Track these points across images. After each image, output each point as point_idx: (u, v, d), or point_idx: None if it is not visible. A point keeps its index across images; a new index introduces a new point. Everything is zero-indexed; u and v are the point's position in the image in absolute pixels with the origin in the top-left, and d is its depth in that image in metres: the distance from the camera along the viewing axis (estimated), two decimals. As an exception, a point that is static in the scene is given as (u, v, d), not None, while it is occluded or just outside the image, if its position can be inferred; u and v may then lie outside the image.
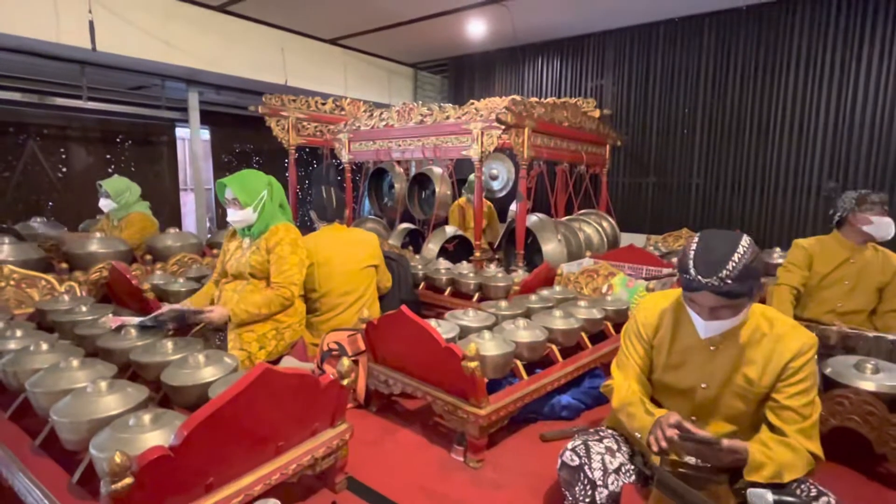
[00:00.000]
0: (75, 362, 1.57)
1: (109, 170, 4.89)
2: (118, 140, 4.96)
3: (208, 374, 1.58)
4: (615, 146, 4.31)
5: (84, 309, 2.16)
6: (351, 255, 2.67)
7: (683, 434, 1.24)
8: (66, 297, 2.32)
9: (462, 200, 4.65)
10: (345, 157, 4.43)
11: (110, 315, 2.08)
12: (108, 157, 4.85)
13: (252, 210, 2.20)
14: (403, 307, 1.83)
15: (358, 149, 4.34)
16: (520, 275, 3.03)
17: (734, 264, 1.22)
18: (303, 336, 2.44)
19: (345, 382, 1.58)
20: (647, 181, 4.74)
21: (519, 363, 1.97)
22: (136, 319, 1.97)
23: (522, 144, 3.22)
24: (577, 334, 2.21)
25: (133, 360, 1.71)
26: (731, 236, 1.26)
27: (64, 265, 2.69)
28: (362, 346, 2.18)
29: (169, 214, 5.41)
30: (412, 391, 1.92)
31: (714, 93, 4.26)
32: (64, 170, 4.60)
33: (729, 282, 1.22)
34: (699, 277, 1.23)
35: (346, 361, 1.56)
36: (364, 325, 2.05)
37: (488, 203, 4.75)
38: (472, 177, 4.60)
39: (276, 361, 2.18)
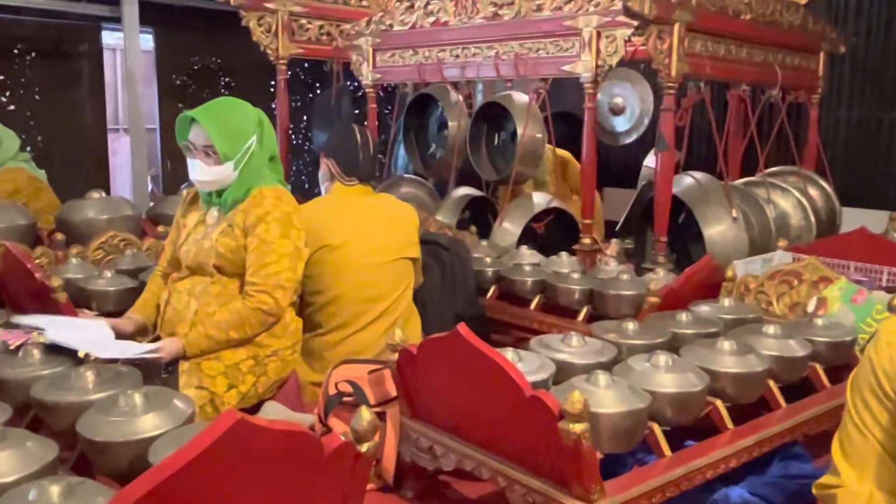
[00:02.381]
0: (-53, 399, 1.67)
1: (2, 98, 5.20)
2: (15, 52, 5.26)
3: (148, 425, 1.64)
4: (836, 55, 4.11)
5: (-40, 316, 2.31)
6: (379, 237, 2.73)
7: None
8: (-64, 298, 2.50)
9: (564, 152, 4.61)
10: (367, 76, 4.50)
11: (1, 329, 2.20)
12: (1, 77, 5.16)
13: (233, 166, 2.27)
14: (461, 326, 1.83)
15: (388, 62, 4.39)
16: (660, 277, 3.00)
17: None
18: (297, 369, 2.50)
19: (363, 449, 1.60)
20: (893, 116, 4.50)
21: (657, 429, 1.92)
22: (50, 328, 2.07)
23: (669, 53, 3.15)
24: (761, 384, 2.14)
25: (35, 398, 1.81)
26: None
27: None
28: (392, 391, 2.20)
29: (91, 170, 5.71)
30: (473, 468, 1.91)
31: None
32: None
33: None
34: None
35: (365, 414, 1.57)
36: (395, 355, 2.06)
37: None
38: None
39: (255, 409, 2.24)
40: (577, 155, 3.99)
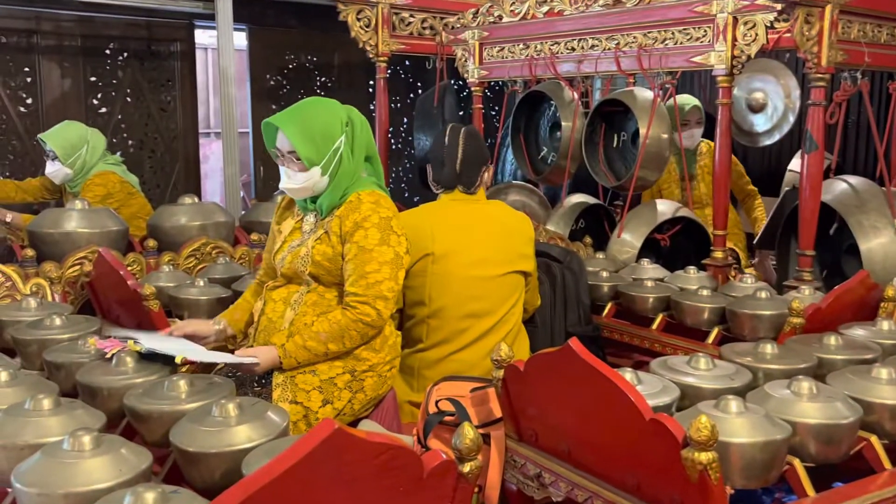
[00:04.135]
0: (46, 404, 1.83)
1: (94, 101, 5.58)
2: (106, 52, 5.63)
3: (242, 436, 1.74)
4: None
5: (58, 323, 2.50)
6: (488, 248, 2.78)
7: None
8: (33, 303, 2.71)
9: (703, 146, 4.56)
10: (472, 72, 4.59)
11: (96, 337, 2.37)
12: (94, 79, 5.54)
13: (320, 171, 2.38)
14: (573, 341, 1.85)
15: (496, 58, 4.46)
16: (806, 295, 2.94)
17: None
18: (394, 387, 2.58)
19: (465, 469, 1.65)
20: None
21: (798, 465, 1.88)
22: (142, 339, 2.23)
23: (819, 39, 3.08)
24: (925, 418, 2.06)
25: (129, 406, 1.95)
26: None
27: (29, 252, 3.15)
28: (497, 411, 2.24)
29: (181, 176, 6.04)
30: (585, 499, 1.93)
31: None
32: (28, 101, 5.36)
33: None
34: None
35: (468, 430, 1.62)
36: (501, 372, 2.11)
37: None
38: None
39: (352, 427, 2.33)
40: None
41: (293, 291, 2.44)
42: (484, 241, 2.79)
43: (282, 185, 2.44)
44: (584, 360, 1.85)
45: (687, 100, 4.50)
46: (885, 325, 2.57)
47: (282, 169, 2.42)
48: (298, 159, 2.36)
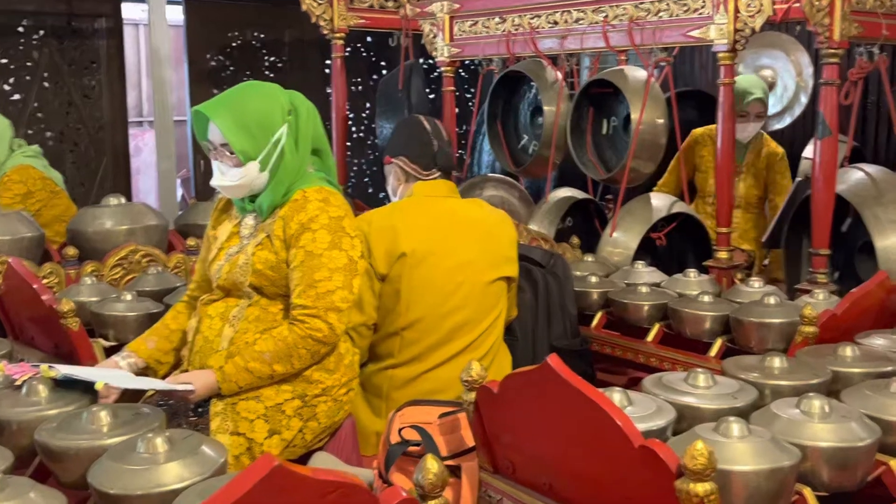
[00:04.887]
0: (-56, 440, 1.80)
1: (6, 86, 5.51)
2: (20, 30, 5.56)
3: (171, 475, 1.71)
4: None
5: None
6: (472, 250, 2.79)
7: None
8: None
9: (701, 132, 4.59)
10: (442, 50, 4.57)
11: (4, 361, 2.33)
12: (4, 61, 5.47)
13: (258, 166, 2.37)
14: (552, 357, 1.85)
15: (469, 33, 4.45)
16: (819, 301, 2.95)
17: None
18: (353, 413, 2.56)
19: (430, 509, 1.64)
20: None
21: (809, 494, 1.89)
22: (61, 368, 2.19)
23: (830, 10, 3.12)
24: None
25: (41, 442, 1.91)
26: None
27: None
28: (469, 440, 2.23)
29: (110, 171, 5.99)
30: (570, 539, 1.93)
31: None
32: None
33: None
34: None
35: (431, 463, 1.62)
36: (472, 395, 2.10)
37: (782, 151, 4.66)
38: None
39: (303, 462, 2.31)
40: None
41: (232, 306, 2.41)
42: (467, 243, 2.80)
43: (213, 183, 2.42)
44: (565, 378, 1.85)
45: (749, 85, 4.48)
46: (908, 333, 2.58)
47: (214, 164, 2.41)
48: (232, 153, 2.35)
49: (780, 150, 4.65)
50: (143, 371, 2.48)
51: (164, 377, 2.49)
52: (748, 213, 4.60)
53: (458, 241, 2.78)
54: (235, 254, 2.42)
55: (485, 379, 2.06)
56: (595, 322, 3.33)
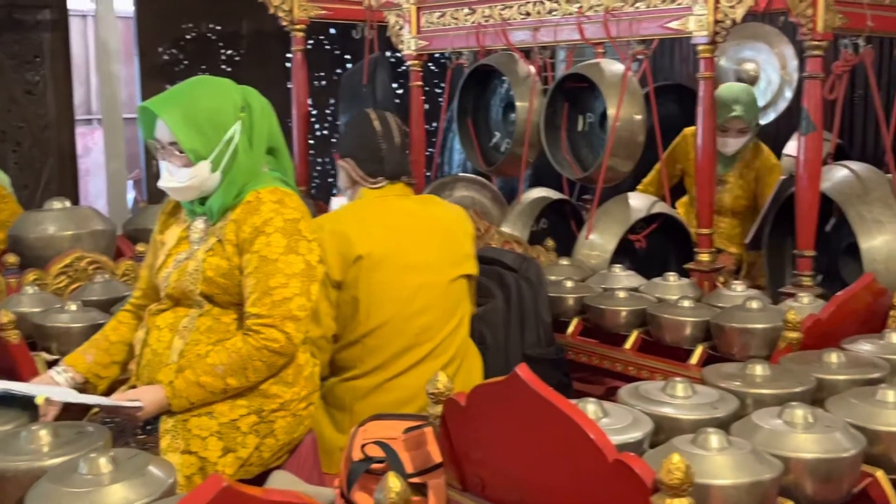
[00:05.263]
0: None
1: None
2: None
3: (116, 497, 1.68)
4: None
5: None
6: (432, 249, 2.82)
7: None
8: None
9: (691, 131, 4.62)
10: (408, 43, 4.57)
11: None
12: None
13: (210, 166, 2.35)
14: (521, 368, 1.85)
15: (437, 25, 4.46)
16: (803, 305, 2.98)
17: None
18: (314, 428, 2.55)
19: (393, 530, 1.63)
20: None
21: (793, 508, 1.93)
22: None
23: (814, 1, 3.14)
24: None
25: (-25, 463, 1.90)
26: None
27: None
28: (436, 455, 2.23)
29: (56, 173, 5.92)
30: (543, 559, 1.94)
31: None
32: None
33: None
34: None
35: (394, 484, 1.61)
36: (439, 409, 2.10)
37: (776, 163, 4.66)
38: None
39: (260, 481, 2.30)
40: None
41: (182, 316, 2.39)
42: (424, 243, 2.82)
43: (161, 184, 2.40)
44: (535, 389, 1.85)
45: (731, 98, 4.40)
46: (894, 337, 2.61)
47: (161, 164, 2.39)
48: (181, 152, 2.33)
49: (774, 161, 4.63)
50: (82, 386, 2.45)
51: (104, 392, 2.47)
52: (735, 218, 4.63)
53: (415, 241, 2.81)
54: (184, 260, 2.40)
55: (452, 391, 2.06)
56: (571, 329, 3.34)
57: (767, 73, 5.00)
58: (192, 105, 2.35)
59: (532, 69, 4.36)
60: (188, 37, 6.27)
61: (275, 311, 2.28)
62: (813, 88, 3.22)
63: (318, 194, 6.16)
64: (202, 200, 2.41)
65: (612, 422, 2.02)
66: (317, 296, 2.40)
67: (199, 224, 2.44)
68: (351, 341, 2.75)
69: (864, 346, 2.59)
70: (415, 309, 2.75)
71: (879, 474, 2.02)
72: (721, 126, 4.27)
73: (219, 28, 6.37)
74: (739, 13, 3.32)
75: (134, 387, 2.40)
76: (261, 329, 2.28)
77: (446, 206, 3.01)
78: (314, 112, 6.51)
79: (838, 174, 3.53)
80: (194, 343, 2.34)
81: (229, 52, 6.45)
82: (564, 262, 3.76)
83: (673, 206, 4.47)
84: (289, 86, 5.49)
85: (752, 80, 5.00)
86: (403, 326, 2.74)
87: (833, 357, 2.45)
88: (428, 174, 5.01)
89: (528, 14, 4.03)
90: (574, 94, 4.25)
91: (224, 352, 2.28)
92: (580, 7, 3.81)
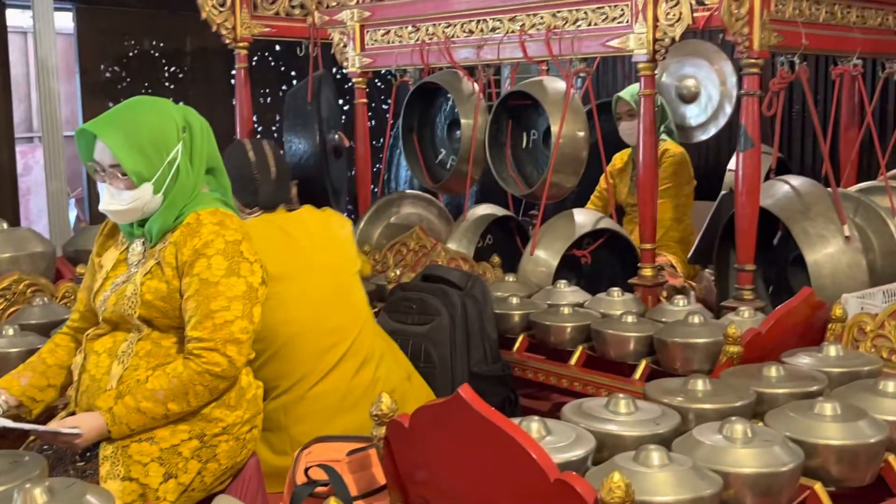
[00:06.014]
0: None
1: None
2: None
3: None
4: None
5: None
6: (323, 254, 2.90)
7: None
8: None
9: (621, 157, 4.75)
10: (353, 61, 4.57)
11: None
12: None
13: (153, 188, 2.33)
14: (463, 388, 1.86)
15: (381, 42, 4.46)
16: (745, 318, 3.02)
17: None
18: (258, 451, 2.53)
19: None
20: None
21: (734, 524, 1.94)
22: None
23: (749, 19, 3.19)
24: (876, 460, 2.14)
25: None
26: None
27: None
28: (380, 477, 2.22)
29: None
30: (489, 579, 1.93)
31: None
32: None
33: None
34: None
35: (335, 507, 1.61)
36: (382, 430, 2.09)
37: (677, 151, 4.79)
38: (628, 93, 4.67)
39: (203, 505, 2.29)
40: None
41: (120, 340, 2.35)
42: (317, 250, 2.89)
43: (102, 207, 2.36)
44: (477, 410, 1.85)
45: (624, 91, 4.69)
46: (832, 350, 2.65)
47: (101, 187, 2.35)
48: (124, 174, 2.30)
49: (677, 148, 4.78)
50: (16, 409, 2.39)
51: (40, 416, 2.42)
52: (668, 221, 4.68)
53: (307, 250, 2.87)
54: (122, 283, 2.36)
55: (395, 412, 2.06)
56: (517, 345, 3.36)
57: (708, 89, 5.05)
58: (135, 127, 2.32)
59: (476, 87, 4.37)
60: (130, 54, 6.22)
61: (216, 335, 2.26)
62: (750, 105, 3.25)
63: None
64: (141, 222, 2.38)
65: (556, 440, 2.02)
66: (259, 318, 2.37)
67: (138, 246, 2.41)
68: (268, 357, 2.75)
69: (803, 360, 2.63)
70: (322, 313, 2.80)
71: (817, 487, 2.04)
72: (616, 116, 4.60)
73: (161, 45, 6.32)
74: (678, 31, 3.35)
75: (73, 413, 2.35)
76: (202, 353, 2.25)
77: (324, 213, 3.04)
78: (259, 129, 6.47)
79: (780, 190, 3.57)
80: (133, 368, 2.31)
81: (172, 69, 6.40)
82: (510, 278, 3.78)
83: (620, 221, 4.53)
84: (233, 103, 5.46)
85: (693, 97, 5.06)
86: (314, 332, 2.78)
87: (773, 371, 2.48)
88: (374, 190, 5.01)
89: (471, 32, 4.05)
90: (518, 111, 4.28)
91: (165, 377, 2.25)
92: (522, 25, 3.83)
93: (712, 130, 5.06)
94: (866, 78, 4.24)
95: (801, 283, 3.46)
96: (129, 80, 6.19)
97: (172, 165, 2.34)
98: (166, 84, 6.38)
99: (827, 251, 3.37)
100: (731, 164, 4.59)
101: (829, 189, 3.57)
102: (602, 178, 4.71)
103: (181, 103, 2.51)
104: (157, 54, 6.33)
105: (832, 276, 3.33)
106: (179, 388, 2.24)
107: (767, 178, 3.67)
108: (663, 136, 4.74)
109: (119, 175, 2.31)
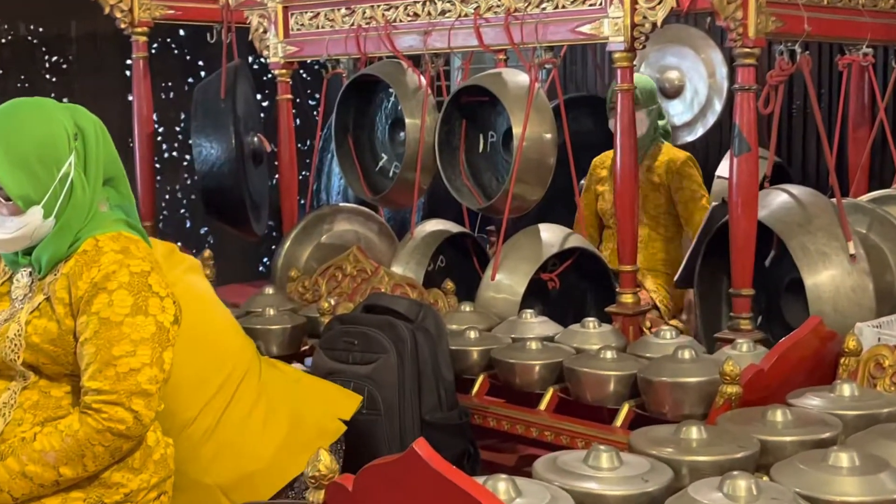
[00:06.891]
0: None
1: None
2: None
3: None
4: None
5: None
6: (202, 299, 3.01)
7: None
8: None
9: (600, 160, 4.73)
10: (274, 49, 4.55)
11: None
12: None
13: (42, 212, 2.29)
14: (418, 443, 1.86)
15: (309, 28, 4.45)
16: (743, 352, 3.03)
17: None
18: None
19: None
20: None
21: None
22: None
23: (744, 2, 3.23)
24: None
25: None
26: None
27: None
28: (320, 550, 2.21)
29: None
30: None
31: None
32: None
33: None
34: None
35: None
36: (321, 495, 2.08)
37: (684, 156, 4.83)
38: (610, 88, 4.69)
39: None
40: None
41: (1, 389, 2.32)
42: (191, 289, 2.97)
43: None
44: (436, 469, 1.85)
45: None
46: (845, 389, 2.66)
47: None
48: (8, 199, 2.26)
49: (683, 153, 4.80)
50: None
51: None
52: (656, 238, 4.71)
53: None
54: (4, 322, 2.32)
55: (336, 474, 2.05)
56: (476, 388, 3.35)
57: (693, 82, 5.09)
58: (17, 140, 2.27)
59: (423, 80, 4.38)
60: (3, 40, 6.14)
61: (119, 386, 2.22)
62: (745, 102, 3.30)
63: (166, 229, 6.05)
64: (27, 250, 2.34)
65: (528, 502, 2.02)
66: (171, 364, 2.34)
67: (24, 278, 2.37)
68: None
69: (813, 401, 2.63)
70: (198, 367, 2.83)
71: (832, 554, 2.07)
72: (609, 106, 4.52)
73: (41, 30, 6.25)
74: (660, 16, 3.37)
75: None
76: (102, 407, 2.21)
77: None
78: (161, 130, 6.43)
79: (777, 200, 3.60)
80: (17, 423, 2.27)
81: (54, 58, 6.33)
82: (467, 307, 3.78)
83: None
84: (129, 98, 5.42)
85: (677, 91, 5.10)
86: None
87: (778, 414, 2.48)
88: (302, 202, 4.99)
89: (416, 16, 4.05)
90: (473, 109, 4.28)
91: (56, 435, 2.21)
92: (477, 8, 3.84)
93: (700, 131, 5.11)
94: (877, 69, 4.28)
95: (796, 311, 3.47)
96: (0, 71, 6.11)
97: (65, 182, 2.29)
98: (47, 76, 6.31)
99: (829, 272, 3.39)
100: (721, 170, 4.66)
101: (832, 199, 3.59)
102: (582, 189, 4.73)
103: (66, 101, 2.48)
104: (35, 41, 6.26)
105: (833, 302, 3.35)
106: (74, 450, 2.20)
107: (762, 186, 3.69)
108: (660, 140, 4.78)
109: (2, 200, 2.27)
